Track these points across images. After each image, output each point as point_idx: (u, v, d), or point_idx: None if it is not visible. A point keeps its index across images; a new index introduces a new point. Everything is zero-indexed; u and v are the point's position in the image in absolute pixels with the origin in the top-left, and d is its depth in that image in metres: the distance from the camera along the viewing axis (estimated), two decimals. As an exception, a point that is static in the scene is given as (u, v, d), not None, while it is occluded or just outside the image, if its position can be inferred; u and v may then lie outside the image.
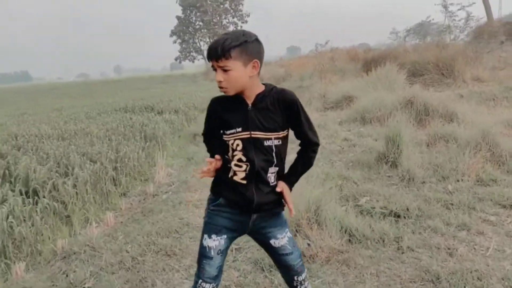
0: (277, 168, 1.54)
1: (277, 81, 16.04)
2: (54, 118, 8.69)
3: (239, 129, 1.48)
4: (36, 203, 3.42)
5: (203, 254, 1.57)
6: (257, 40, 1.46)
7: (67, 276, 2.62)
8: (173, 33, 49.44)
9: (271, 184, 1.54)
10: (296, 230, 2.76)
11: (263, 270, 2.46)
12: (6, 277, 2.73)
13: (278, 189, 1.55)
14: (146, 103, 10.52)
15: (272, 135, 1.49)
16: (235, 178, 1.52)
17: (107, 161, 4.44)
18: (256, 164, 1.49)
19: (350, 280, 2.29)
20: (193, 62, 51.51)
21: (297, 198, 2.85)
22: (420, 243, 2.60)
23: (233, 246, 2.78)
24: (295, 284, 1.71)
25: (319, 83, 10.32)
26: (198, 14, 48.25)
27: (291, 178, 1.62)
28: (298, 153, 1.63)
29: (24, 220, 3.18)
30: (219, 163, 1.55)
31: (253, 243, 2.78)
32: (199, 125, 7.75)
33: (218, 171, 1.57)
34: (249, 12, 49.80)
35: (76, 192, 3.70)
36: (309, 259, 2.53)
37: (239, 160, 1.50)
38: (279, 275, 2.36)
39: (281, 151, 1.54)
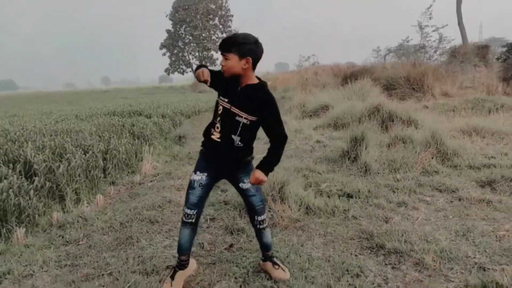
0: (239, 138, 2.04)
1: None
2: (44, 119, 9.04)
3: (226, 100, 2.02)
4: (33, 182, 3.83)
5: (189, 186, 2.12)
6: (255, 43, 1.95)
7: (63, 237, 3.04)
8: (162, 46, 50.07)
9: (235, 144, 2.04)
10: (262, 204, 3.24)
11: (232, 233, 2.93)
12: (9, 240, 3.13)
13: (251, 182, 2.03)
14: (135, 109, 10.94)
15: (243, 114, 2.01)
16: (213, 137, 2.07)
17: (98, 152, 4.86)
18: (226, 128, 2.03)
19: (302, 238, 2.78)
20: (182, 74, 52.08)
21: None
22: (364, 214, 3.12)
23: (207, 216, 3.25)
24: (255, 223, 2.23)
25: (300, 95, 10.94)
26: (187, 29, 49.12)
27: (262, 166, 2.03)
28: (268, 149, 2.09)
29: (22, 195, 3.58)
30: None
31: (225, 214, 3.27)
32: (185, 129, 8.22)
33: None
34: (238, 28, 50.85)
35: (69, 175, 4.12)
36: (271, 226, 3.01)
37: (218, 121, 2.04)
38: (244, 235, 2.86)
39: (246, 131, 2.04)
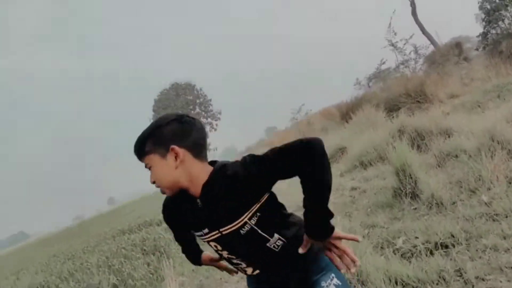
0: (278, 236, 1.22)
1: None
2: (51, 263, 8.13)
3: (206, 231, 1.23)
4: None
5: None
6: (176, 120, 1.19)
7: None
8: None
9: (277, 251, 1.22)
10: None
11: None
12: None
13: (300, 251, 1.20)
14: (143, 220, 10.12)
15: (242, 219, 1.17)
16: (248, 273, 1.32)
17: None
18: (248, 256, 1.26)
19: None
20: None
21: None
22: (487, 268, 2.18)
23: None
24: None
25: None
26: (172, 120, 49.90)
27: (305, 228, 1.18)
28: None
29: None
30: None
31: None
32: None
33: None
34: (220, 109, 51.71)
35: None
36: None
37: (229, 260, 1.31)
38: None
39: (267, 221, 1.20)
